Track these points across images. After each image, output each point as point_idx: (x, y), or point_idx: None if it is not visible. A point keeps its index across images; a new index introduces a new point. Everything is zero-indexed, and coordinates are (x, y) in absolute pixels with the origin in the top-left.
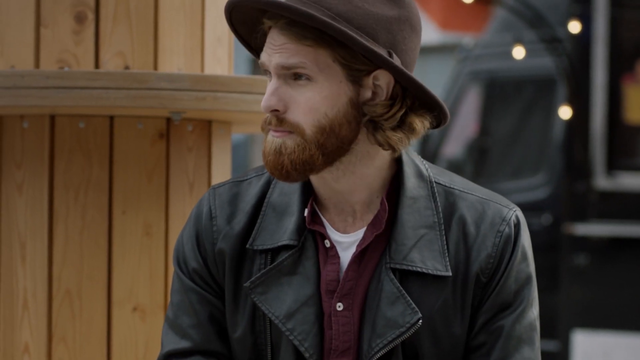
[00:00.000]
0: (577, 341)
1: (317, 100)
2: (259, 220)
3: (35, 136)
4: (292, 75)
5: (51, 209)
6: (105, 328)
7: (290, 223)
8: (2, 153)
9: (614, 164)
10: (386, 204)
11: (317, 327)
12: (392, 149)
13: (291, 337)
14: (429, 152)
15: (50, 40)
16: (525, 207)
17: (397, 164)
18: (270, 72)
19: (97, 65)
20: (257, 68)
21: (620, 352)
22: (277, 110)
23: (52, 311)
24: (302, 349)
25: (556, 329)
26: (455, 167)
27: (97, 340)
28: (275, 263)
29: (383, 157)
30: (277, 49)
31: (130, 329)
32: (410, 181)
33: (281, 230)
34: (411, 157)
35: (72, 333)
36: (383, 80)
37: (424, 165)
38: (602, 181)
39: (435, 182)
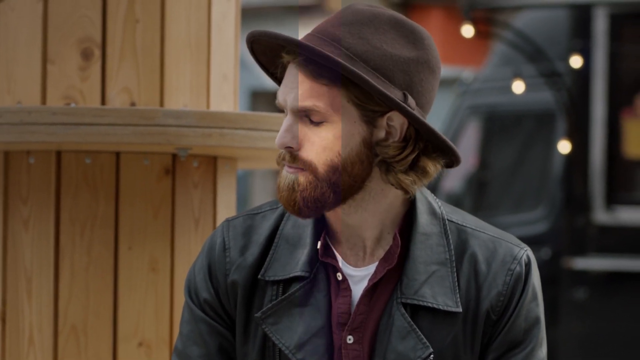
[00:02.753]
0: None
1: (330, 140)
2: (271, 252)
3: (42, 172)
4: (307, 116)
5: (57, 245)
6: None
7: (302, 255)
8: (9, 188)
9: (613, 198)
10: (399, 239)
11: (327, 359)
12: (404, 190)
13: None
14: (429, 185)
15: (57, 76)
16: (525, 241)
17: (410, 200)
18: (283, 107)
19: (103, 102)
20: (257, 102)
21: None
22: (291, 147)
23: (57, 346)
24: None
25: None
26: (454, 200)
27: None
28: (286, 294)
29: (396, 195)
30: (293, 88)
31: None
32: (423, 217)
33: (293, 262)
34: (424, 194)
35: None
36: (397, 121)
37: (437, 203)
38: (601, 215)
39: (448, 219)
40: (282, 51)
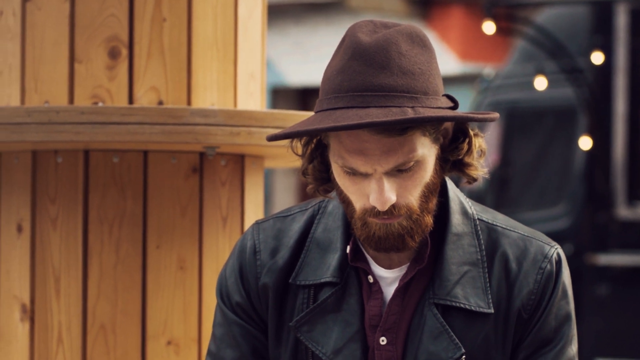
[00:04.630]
0: None
1: (421, 176)
2: (302, 256)
3: (70, 171)
4: (398, 169)
5: (85, 244)
6: None
7: (333, 260)
8: (37, 188)
9: (635, 194)
10: (429, 239)
11: None
12: (474, 180)
13: None
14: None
15: (84, 75)
16: None
17: (442, 201)
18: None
19: (130, 101)
20: (277, 99)
21: None
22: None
23: (86, 345)
24: None
25: (579, 359)
26: (476, 197)
27: None
28: (319, 302)
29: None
30: (380, 155)
31: None
32: (455, 217)
33: (324, 267)
34: (456, 194)
35: None
36: (447, 124)
37: (468, 203)
38: (623, 211)
39: (479, 219)
40: None
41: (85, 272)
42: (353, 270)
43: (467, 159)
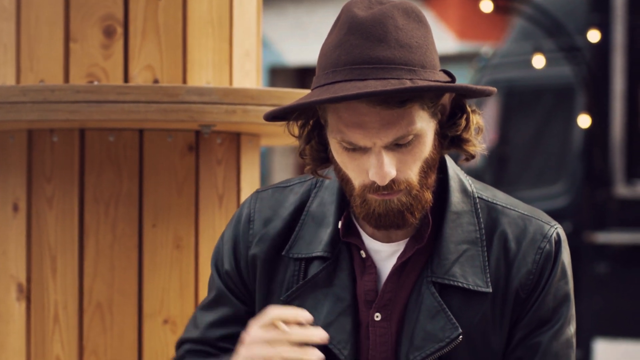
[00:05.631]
0: (598, 350)
1: (420, 150)
2: (297, 228)
3: (65, 150)
4: (397, 143)
5: (82, 223)
6: (136, 341)
7: (325, 234)
8: (33, 167)
9: (633, 172)
10: (430, 218)
11: (354, 337)
12: (472, 157)
13: (330, 346)
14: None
15: (80, 54)
16: None
17: (442, 178)
18: (363, 148)
19: (126, 79)
20: (276, 79)
21: None
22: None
23: (83, 324)
24: (342, 357)
25: (577, 338)
26: (475, 176)
27: (128, 353)
28: (310, 277)
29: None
30: (379, 127)
31: (161, 341)
32: (455, 196)
33: (317, 241)
34: (456, 172)
35: (103, 346)
36: (445, 99)
37: (468, 181)
38: (622, 189)
39: (479, 197)
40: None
41: (81, 251)
42: (345, 245)
43: (465, 135)
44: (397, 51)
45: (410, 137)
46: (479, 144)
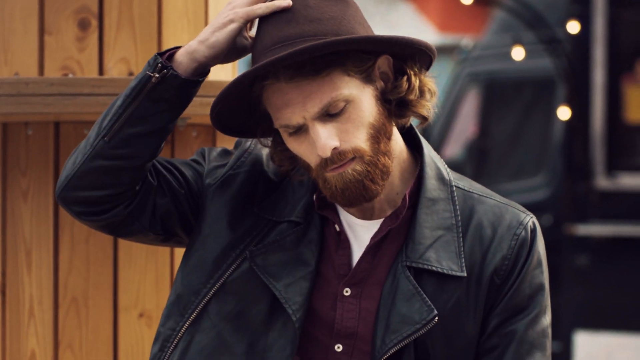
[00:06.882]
0: (579, 342)
1: (357, 117)
2: (277, 192)
3: (40, 143)
4: (327, 113)
5: (57, 216)
6: (111, 335)
7: (300, 203)
8: (7, 160)
9: (614, 164)
10: (407, 200)
11: (309, 301)
12: (424, 119)
13: (286, 306)
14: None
15: (54, 47)
16: (526, 208)
17: (420, 165)
18: (299, 127)
19: (101, 72)
20: None
21: (622, 353)
22: (335, 148)
23: (58, 318)
24: (294, 318)
25: (558, 330)
26: (455, 168)
27: (103, 347)
28: (277, 238)
29: (402, 150)
30: (302, 99)
31: (136, 335)
32: (431, 182)
33: (289, 208)
34: (434, 160)
35: (79, 340)
36: (384, 65)
37: (446, 169)
38: (602, 181)
39: (456, 186)
40: (251, 89)
41: (56, 245)
42: (320, 218)
43: (410, 97)
44: (306, 26)
45: (341, 104)
46: (429, 105)
